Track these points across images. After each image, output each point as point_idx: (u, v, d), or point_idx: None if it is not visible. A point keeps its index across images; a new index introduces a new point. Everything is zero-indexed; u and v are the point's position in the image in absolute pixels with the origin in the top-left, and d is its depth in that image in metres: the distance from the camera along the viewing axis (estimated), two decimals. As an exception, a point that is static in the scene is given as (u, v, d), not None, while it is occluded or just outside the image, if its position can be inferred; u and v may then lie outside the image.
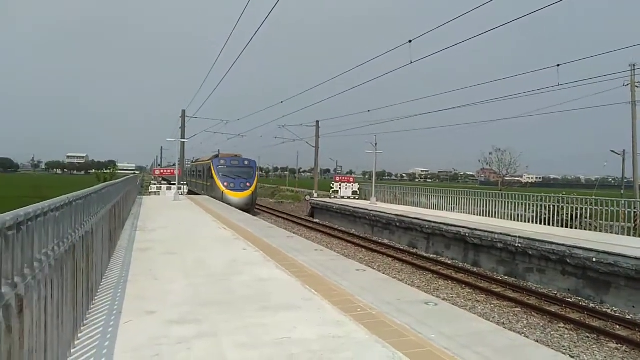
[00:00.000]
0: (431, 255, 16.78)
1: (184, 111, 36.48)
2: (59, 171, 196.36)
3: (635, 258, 10.16)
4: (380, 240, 20.08)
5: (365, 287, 6.40)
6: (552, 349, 7.47)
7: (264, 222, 16.13)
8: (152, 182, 30.89)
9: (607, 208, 15.36)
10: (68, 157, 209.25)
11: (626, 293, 10.58)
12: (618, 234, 14.74)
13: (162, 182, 30.73)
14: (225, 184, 27.61)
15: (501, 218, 18.96)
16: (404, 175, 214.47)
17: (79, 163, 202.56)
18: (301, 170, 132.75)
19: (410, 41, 12.11)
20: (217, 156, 30.70)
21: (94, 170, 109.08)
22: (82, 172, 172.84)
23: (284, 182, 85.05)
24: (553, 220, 16.91)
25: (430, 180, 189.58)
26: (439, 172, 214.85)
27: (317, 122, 38.06)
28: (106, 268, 7.02)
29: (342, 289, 6.23)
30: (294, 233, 21.30)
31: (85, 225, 4.55)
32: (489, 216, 19.64)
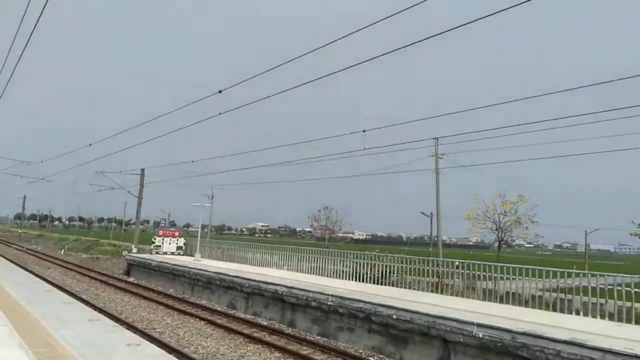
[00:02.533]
0: (249, 317, 15.91)
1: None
2: None
3: (427, 314, 10.78)
4: (198, 302, 18.57)
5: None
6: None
7: (46, 285, 13.53)
8: None
9: (413, 266, 16.46)
10: None
11: (420, 347, 11.11)
12: (425, 290, 15.69)
13: None
14: None
15: (327, 275, 19.10)
16: (244, 229, 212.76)
17: None
18: (131, 222, 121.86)
19: (220, 91, 11.77)
20: None
21: None
22: None
23: (108, 234, 76.52)
24: (366, 278, 17.63)
25: (270, 235, 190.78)
26: (278, 227, 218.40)
27: (143, 169, 35.18)
28: None
29: (90, 374, 4.98)
30: (96, 295, 18.57)
31: None
32: (316, 273, 19.63)
